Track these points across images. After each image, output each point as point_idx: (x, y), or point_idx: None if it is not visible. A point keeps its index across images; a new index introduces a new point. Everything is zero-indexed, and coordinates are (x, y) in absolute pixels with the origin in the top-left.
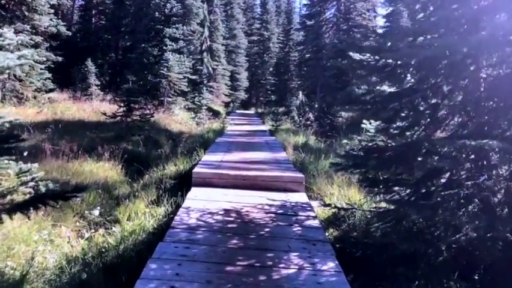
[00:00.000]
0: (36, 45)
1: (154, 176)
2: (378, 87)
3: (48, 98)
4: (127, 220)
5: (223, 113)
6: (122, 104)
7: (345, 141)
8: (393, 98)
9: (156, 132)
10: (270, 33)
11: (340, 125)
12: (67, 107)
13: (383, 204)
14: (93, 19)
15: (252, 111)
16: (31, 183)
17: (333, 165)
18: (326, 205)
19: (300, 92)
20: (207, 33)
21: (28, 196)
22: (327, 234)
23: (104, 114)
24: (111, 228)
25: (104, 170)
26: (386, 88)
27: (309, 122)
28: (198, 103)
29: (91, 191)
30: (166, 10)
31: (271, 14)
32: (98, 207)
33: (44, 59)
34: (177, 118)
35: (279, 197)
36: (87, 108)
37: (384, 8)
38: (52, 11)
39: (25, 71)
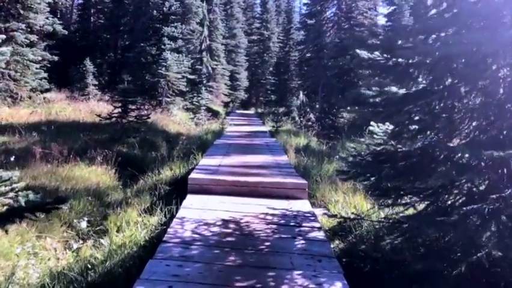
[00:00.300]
0: (31, 44)
1: (148, 182)
2: (387, 88)
3: (44, 98)
4: (118, 231)
5: (223, 113)
6: (117, 105)
7: (351, 145)
8: (407, 100)
9: (153, 134)
10: (270, 32)
11: (342, 126)
12: (63, 108)
13: (392, 212)
14: (92, 18)
15: (251, 111)
16: (11, 194)
17: (340, 173)
18: (331, 216)
19: (301, 92)
20: (206, 32)
21: (5, 209)
22: (332, 246)
23: (99, 116)
24: (100, 240)
25: (97, 174)
26: (396, 89)
27: (310, 123)
28: (197, 103)
29: (80, 198)
30: (164, 9)
31: (271, 13)
32: (86, 218)
33: (40, 58)
34: (175, 119)
35: (281, 205)
36: (83, 109)
37: (385, 7)
38: (48, 9)
39: (19, 70)
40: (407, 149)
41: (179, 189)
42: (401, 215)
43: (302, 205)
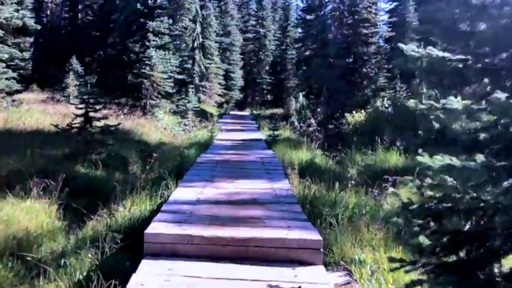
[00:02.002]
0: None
1: (99, 226)
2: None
3: (13, 101)
4: None
5: (216, 115)
6: (78, 113)
7: (394, 199)
8: None
9: (127, 146)
10: (266, 30)
11: (348, 133)
12: (31, 112)
13: None
14: (80, 14)
15: (247, 112)
16: None
17: (403, 264)
18: None
19: (301, 94)
20: (199, 29)
21: None
22: None
23: (56, 126)
24: None
25: (31, 214)
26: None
27: (311, 129)
28: (183, 107)
29: None
30: (149, 1)
31: (267, 10)
32: None
33: (6, 56)
34: (160, 124)
35: (283, 276)
36: (56, 113)
37: (387, 3)
38: (15, 0)
39: None
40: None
41: (137, 242)
42: None
43: (316, 276)
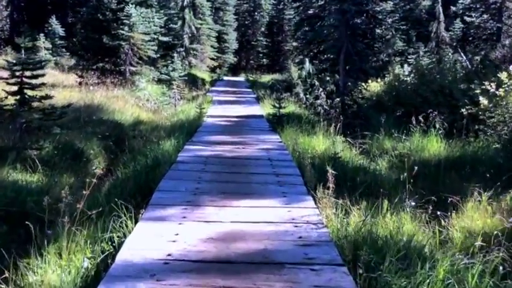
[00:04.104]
0: None
1: None
2: None
3: None
4: None
5: (208, 81)
6: (11, 90)
7: None
8: None
9: (89, 131)
10: None
11: (368, 109)
12: None
13: None
14: None
15: (242, 77)
16: None
17: None
18: None
19: (307, 60)
20: None
21: None
22: None
23: None
24: None
25: None
26: None
27: (319, 101)
28: (166, 76)
29: None
30: None
31: None
32: None
33: None
34: (142, 94)
35: None
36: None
37: None
38: None
39: None
40: None
41: None
42: None
43: None
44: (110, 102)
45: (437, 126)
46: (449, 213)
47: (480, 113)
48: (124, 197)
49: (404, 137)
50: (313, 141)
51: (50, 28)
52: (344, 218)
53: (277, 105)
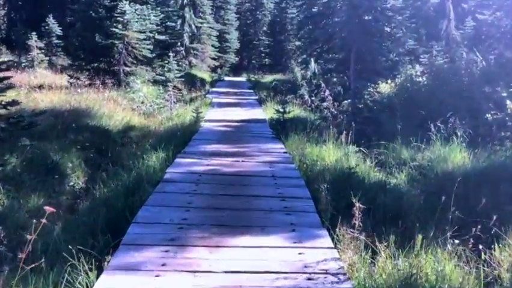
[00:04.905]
0: None
1: None
2: None
3: None
4: None
5: (208, 81)
6: None
7: None
8: None
9: (68, 141)
10: None
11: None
12: None
13: None
14: None
15: (243, 78)
16: None
17: None
18: None
19: (312, 60)
20: None
21: None
22: None
23: None
24: None
25: None
26: None
27: (325, 104)
28: (162, 77)
29: None
30: None
31: None
32: None
33: None
34: (137, 96)
35: None
36: None
37: None
38: None
39: None
40: None
41: None
42: None
43: None
44: (100, 105)
45: (459, 133)
46: (492, 245)
47: (507, 118)
48: (93, 232)
49: (423, 146)
50: (322, 152)
51: (47, 27)
52: (370, 262)
53: (281, 110)
